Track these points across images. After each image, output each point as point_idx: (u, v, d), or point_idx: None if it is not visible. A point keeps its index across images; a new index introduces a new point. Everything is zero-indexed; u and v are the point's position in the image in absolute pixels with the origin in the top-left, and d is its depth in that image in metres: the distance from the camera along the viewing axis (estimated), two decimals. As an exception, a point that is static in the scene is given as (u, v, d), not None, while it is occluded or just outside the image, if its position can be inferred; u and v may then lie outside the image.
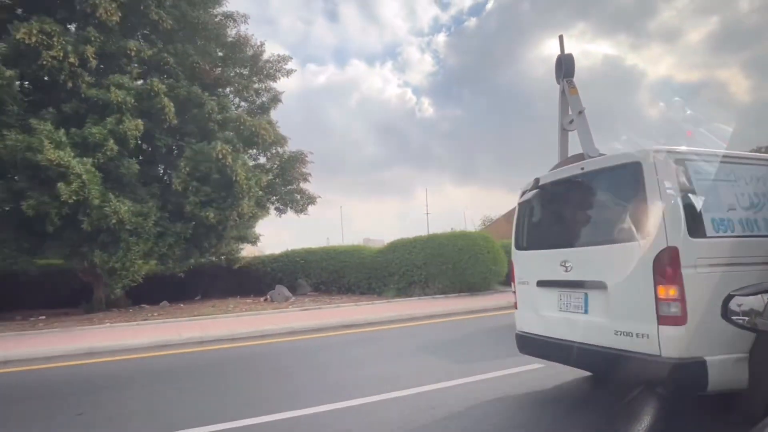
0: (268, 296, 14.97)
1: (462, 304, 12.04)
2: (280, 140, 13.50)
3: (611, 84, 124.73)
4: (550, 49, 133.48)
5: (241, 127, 12.35)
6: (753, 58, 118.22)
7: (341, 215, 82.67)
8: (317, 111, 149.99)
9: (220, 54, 14.14)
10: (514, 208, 5.18)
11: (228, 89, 15.29)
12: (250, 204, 12.06)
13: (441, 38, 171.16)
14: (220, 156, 11.40)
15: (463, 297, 14.21)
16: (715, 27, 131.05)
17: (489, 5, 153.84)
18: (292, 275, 17.38)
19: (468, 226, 66.12)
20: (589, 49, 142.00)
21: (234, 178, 11.60)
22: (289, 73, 16.57)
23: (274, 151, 14.46)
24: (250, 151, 13.82)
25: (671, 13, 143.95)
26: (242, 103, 16.52)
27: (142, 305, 13.70)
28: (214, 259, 14.75)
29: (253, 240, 19.64)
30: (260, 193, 12.29)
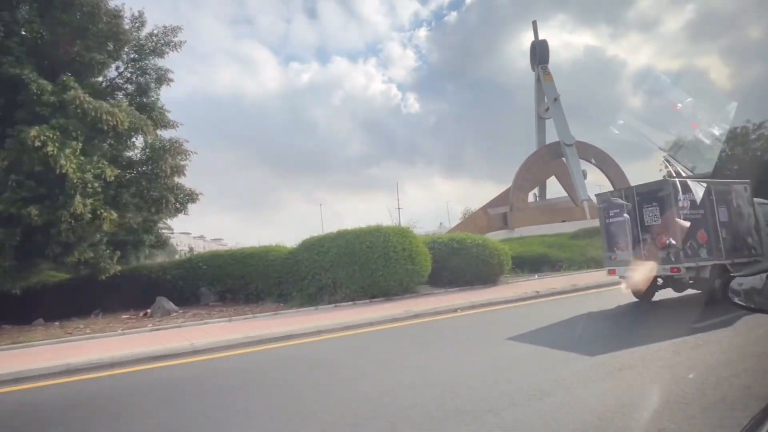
0: (149, 310, 12.74)
1: (367, 314, 9.86)
2: (143, 127, 11.14)
3: (593, 74, 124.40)
4: (529, 41, 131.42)
5: (79, 111, 10.01)
6: (730, 44, 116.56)
7: (321, 213, 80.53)
8: (301, 110, 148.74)
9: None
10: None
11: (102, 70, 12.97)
12: (88, 202, 9.77)
13: (422, 33, 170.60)
14: (37, 144, 9.11)
15: (374, 304, 12.04)
16: (691, 15, 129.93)
17: None
18: (195, 283, 15.13)
19: (452, 219, 62.99)
20: (570, 40, 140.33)
21: (60, 171, 9.31)
22: (179, 45, 14.27)
23: (136, 139, 12.15)
24: (99, 141, 11.44)
25: (648, 2, 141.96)
26: (127, 86, 14.22)
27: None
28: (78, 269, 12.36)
29: (161, 244, 17.35)
30: (99, 189, 9.96)
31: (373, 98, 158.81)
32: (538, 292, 11.95)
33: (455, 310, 10.08)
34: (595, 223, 15.51)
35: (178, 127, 13.92)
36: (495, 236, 34.98)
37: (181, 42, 14.10)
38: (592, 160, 37.11)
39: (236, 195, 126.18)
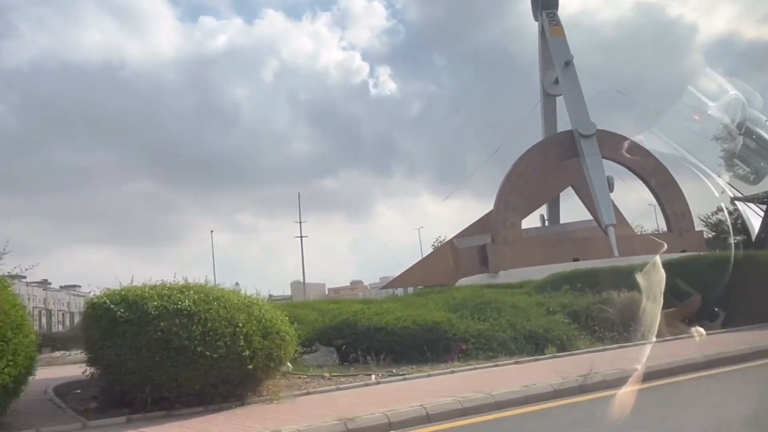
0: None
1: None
2: None
3: (648, 43, 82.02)
4: None
5: None
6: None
7: (212, 245, 48.88)
8: (214, 89, 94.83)
9: None
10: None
11: None
12: None
13: None
14: None
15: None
16: None
17: None
18: None
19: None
20: None
21: None
22: None
23: None
24: None
25: None
26: None
27: None
28: None
29: None
30: None
31: (325, 72, 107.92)
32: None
33: None
34: (629, 261, 13.43)
35: None
36: (469, 282, 21.44)
37: None
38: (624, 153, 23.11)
39: (110, 219, 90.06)
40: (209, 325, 4.90)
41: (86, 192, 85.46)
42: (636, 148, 23.49)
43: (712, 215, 27.66)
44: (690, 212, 24.79)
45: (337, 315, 10.17)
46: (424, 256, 34.24)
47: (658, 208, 27.51)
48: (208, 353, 4.76)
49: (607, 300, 10.67)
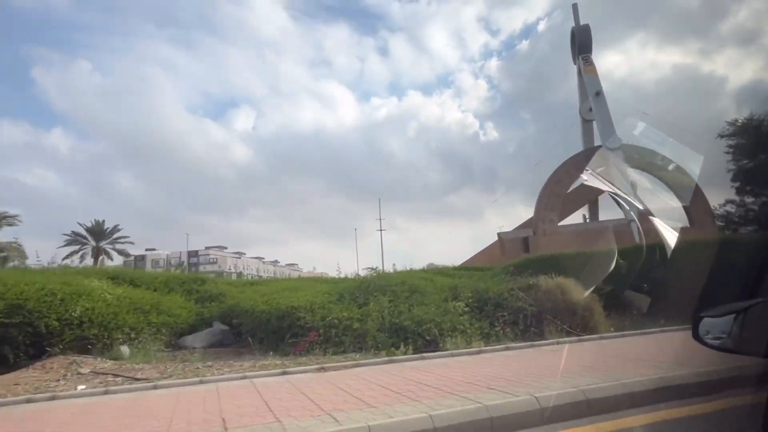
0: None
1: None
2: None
3: (686, 94, 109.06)
4: (604, 63, 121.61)
5: None
6: None
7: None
8: (379, 142, 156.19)
9: None
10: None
11: None
12: None
13: (493, 63, 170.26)
14: None
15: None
16: None
17: (540, 26, 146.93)
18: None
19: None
20: (656, 58, 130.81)
21: None
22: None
23: None
24: None
25: (745, 14, 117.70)
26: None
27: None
28: None
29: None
30: None
31: (448, 128, 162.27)
32: None
33: None
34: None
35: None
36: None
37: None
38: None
39: (318, 223, 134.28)
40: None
41: (305, 206, 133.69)
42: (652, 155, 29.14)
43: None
44: (708, 205, 28.87)
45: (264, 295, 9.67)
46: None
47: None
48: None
49: (532, 286, 9.23)
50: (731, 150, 26.44)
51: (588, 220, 36.31)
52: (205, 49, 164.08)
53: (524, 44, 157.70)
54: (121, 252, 49.29)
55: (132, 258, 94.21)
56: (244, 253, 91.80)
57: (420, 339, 7.67)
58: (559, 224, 31.79)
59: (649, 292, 10.50)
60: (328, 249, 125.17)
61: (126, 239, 49.76)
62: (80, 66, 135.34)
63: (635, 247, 11.14)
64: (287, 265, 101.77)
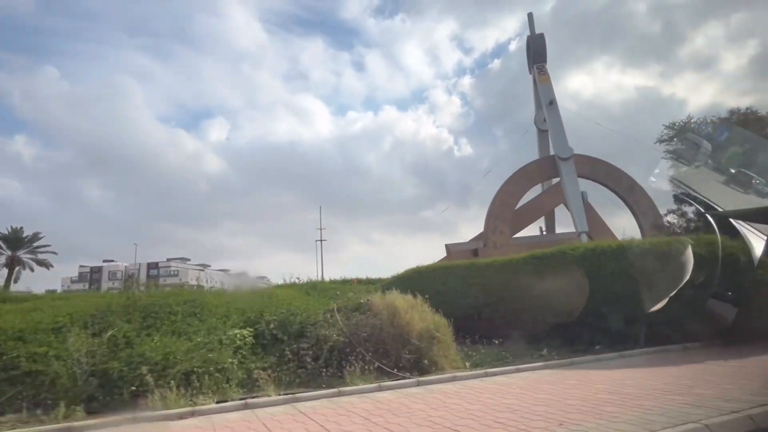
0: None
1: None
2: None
3: (649, 115, 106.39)
4: (571, 84, 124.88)
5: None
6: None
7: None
8: (355, 155, 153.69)
9: None
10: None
11: None
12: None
13: (466, 81, 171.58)
14: None
15: None
16: (756, 51, 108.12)
17: (512, 46, 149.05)
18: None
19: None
20: (620, 80, 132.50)
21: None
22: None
23: None
24: None
25: (702, 41, 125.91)
26: None
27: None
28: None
29: None
30: None
31: (423, 143, 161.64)
32: None
33: None
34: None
35: None
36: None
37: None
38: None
39: (295, 237, 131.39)
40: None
41: (281, 219, 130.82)
42: (604, 165, 28.41)
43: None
44: (656, 209, 28.26)
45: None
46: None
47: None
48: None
49: (360, 306, 7.50)
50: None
51: (545, 233, 35.23)
52: (179, 59, 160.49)
53: (496, 63, 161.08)
54: (41, 263, 43.59)
55: (88, 269, 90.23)
56: (209, 266, 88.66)
57: (126, 389, 5.57)
58: (513, 237, 30.52)
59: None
60: (304, 261, 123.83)
61: (47, 248, 44.04)
62: (46, 72, 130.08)
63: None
64: (258, 277, 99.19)
